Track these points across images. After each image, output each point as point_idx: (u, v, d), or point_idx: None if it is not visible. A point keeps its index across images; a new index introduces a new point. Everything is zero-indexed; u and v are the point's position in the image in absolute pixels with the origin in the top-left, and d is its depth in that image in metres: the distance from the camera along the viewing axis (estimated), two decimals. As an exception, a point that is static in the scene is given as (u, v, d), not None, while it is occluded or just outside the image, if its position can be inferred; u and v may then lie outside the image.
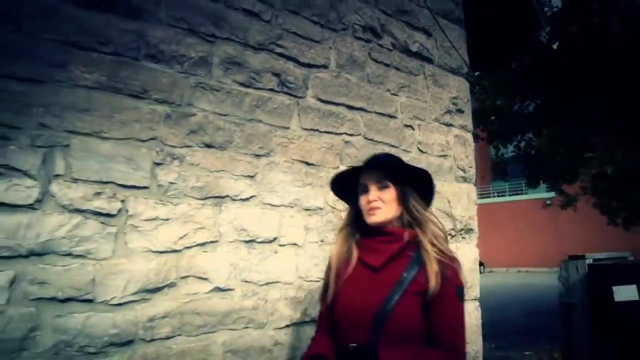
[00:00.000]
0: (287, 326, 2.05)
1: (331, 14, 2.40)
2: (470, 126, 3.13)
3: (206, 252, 1.85)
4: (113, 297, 1.60)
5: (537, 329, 7.41)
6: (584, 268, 4.45)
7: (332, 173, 1.92)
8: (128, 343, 1.62)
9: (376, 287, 1.43)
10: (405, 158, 2.61)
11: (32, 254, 1.46)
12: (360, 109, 2.47)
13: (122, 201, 1.66)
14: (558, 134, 7.35)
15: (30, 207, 1.47)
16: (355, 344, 1.38)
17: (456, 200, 2.90)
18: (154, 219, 1.73)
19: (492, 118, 8.44)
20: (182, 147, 1.83)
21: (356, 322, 1.41)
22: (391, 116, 2.62)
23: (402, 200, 1.51)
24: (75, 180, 1.56)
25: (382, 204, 1.49)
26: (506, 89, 7.93)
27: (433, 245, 1.45)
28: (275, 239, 2.06)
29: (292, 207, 2.13)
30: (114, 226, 1.64)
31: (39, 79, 1.53)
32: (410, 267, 1.43)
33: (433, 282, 1.38)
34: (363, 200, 1.52)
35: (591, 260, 4.52)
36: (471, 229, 2.99)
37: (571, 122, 7.18)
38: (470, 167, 3.05)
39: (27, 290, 1.45)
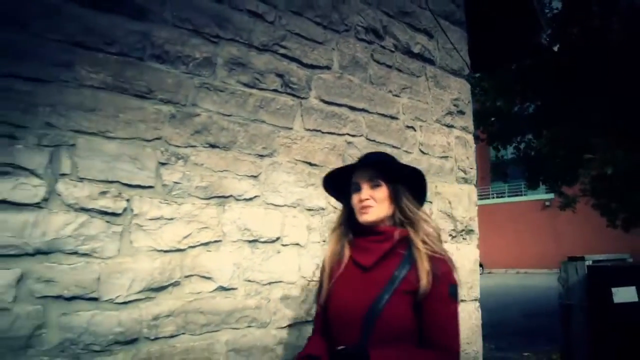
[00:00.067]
0: (290, 325, 2.06)
1: (334, 15, 2.41)
2: (471, 128, 3.14)
3: (210, 251, 1.86)
4: (118, 296, 1.61)
5: (536, 330, 7.42)
6: (584, 269, 4.47)
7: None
8: (133, 341, 1.63)
9: (367, 287, 1.42)
10: (407, 159, 2.62)
11: (38, 252, 1.48)
12: (363, 110, 2.48)
13: (127, 200, 1.68)
14: (558, 135, 7.36)
15: (37, 205, 1.49)
16: (342, 347, 1.37)
17: (457, 201, 2.91)
18: (158, 218, 1.74)
19: (492, 119, 8.45)
20: (186, 147, 1.84)
21: (348, 322, 1.41)
22: (393, 117, 2.63)
23: (395, 199, 1.49)
24: (81, 180, 1.58)
25: (374, 203, 1.48)
26: (506, 90, 7.94)
27: (425, 243, 1.44)
28: (278, 238, 2.07)
29: (294, 207, 2.14)
30: (119, 225, 1.65)
31: (45, 78, 1.54)
32: (402, 266, 1.42)
33: (424, 280, 1.36)
34: (355, 198, 1.51)
35: (590, 262, 4.54)
36: (472, 230, 3.00)
37: (571, 124, 7.20)
38: (471, 169, 3.07)
39: (34, 288, 1.46)
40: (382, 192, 1.49)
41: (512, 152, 9.26)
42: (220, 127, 1.94)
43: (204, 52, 1.92)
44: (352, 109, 2.44)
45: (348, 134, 2.40)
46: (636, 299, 4.07)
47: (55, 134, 1.54)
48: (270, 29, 2.14)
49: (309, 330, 2.07)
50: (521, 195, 24.00)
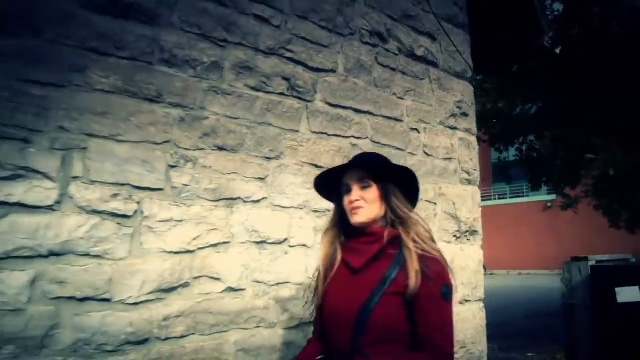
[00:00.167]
0: (298, 326, 2.08)
1: (338, 19, 2.44)
2: (475, 129, 3.16)
3: (219, 252, 1.89)
4: (129, 297, 1.64)
5: (539, 330, 7.43)
6: (587, 269, 4.48)
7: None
8: (144, 342, 1.66)
9: (358, 289, 1.40)
10: (412, 161, 2.65)
11: (51, 254, 1.50)
12: (368, 112, 2.51)
13: (138, 203, 1.70)
14: (559, 136, 7.38)
15: (50, 208, 1.51)
16: (320, 357, 1.40)
17: (461, 203, 2.94)
18: (168, 220, 1.77)
19: (494, 121, 8.46)
20: (195, 149, 1.87)
21: (340, 324, 1.40)
22: (397, 119, 2.66)
23: (385, 199, 1.47)
24: (92, 182, 1.60)
25: (365, 204, 1.46)
26: (508, 92, 7.96)
27: (415, 242, 1.41)
28: (285, 240, 2.09)
29: (301, 209, 2.17)
30: (130, 227, 1.67)
31: (59, 83, 1.57)
32: (393, 266, 1.40)
33: (413, 280, 1.34)
34: (346, 200, 1.49)
35: (594, 262, 4.55)
36: (476, 231, 3.02)
37: (572, 124, 7.21)
38: (475, 170, 3.09)
39: (47, 289, 1.49)
40: (373, 192, 1.47)
41: (515, 154, 9.26)
42: (228, 130, 1.97)
43: (211, 56, 1.95)
44: (357, 111, 2.46)
45: (353, 137, 2.43)
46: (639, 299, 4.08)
47: (68, 138, 1.57)
48: (276, 33, 2.17)
49: (316, 330, 2.10)
50: (523, 196, 23.98)
